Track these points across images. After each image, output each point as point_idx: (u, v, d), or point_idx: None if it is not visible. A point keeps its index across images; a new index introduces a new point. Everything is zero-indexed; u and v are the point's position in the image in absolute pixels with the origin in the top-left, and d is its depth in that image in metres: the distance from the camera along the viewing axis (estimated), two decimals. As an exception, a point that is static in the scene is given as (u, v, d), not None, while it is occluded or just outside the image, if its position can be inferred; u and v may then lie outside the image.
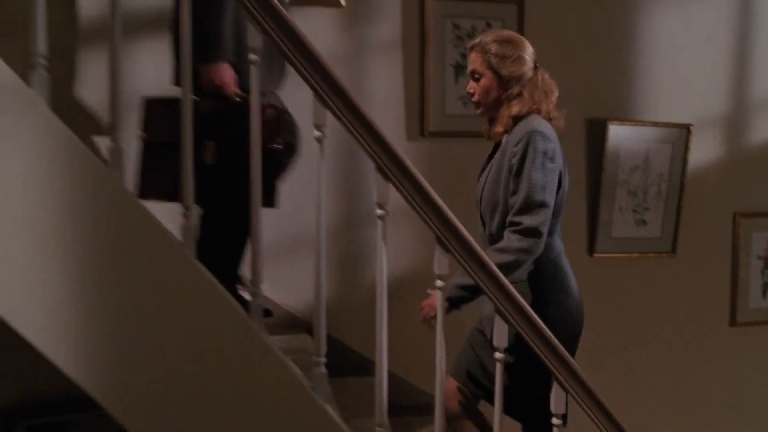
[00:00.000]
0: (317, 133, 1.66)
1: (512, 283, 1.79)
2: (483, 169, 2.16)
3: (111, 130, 1.57)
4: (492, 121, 2.10)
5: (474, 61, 2.07)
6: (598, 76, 3.08)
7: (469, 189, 2.26)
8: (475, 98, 2.08)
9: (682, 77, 3.15)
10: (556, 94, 2.10)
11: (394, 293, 2.02)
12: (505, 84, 2.04)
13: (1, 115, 1.44)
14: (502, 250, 1.91)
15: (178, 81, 1.90)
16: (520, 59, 2.04)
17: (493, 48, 2.04)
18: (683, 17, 3.15)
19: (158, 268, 1.56)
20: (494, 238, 2.02)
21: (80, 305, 1.47)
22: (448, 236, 1.71)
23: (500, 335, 1.79)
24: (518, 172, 1.94)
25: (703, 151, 3.19)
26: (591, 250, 3.10)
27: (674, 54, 3.15)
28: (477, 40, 2.08)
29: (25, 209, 1.44)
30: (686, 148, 3.11)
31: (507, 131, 2.03)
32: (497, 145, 2.12)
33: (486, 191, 2.06)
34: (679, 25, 3.15)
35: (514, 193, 1.94)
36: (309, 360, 1.71)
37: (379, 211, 1.71)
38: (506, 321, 1.78)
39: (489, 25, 2.95)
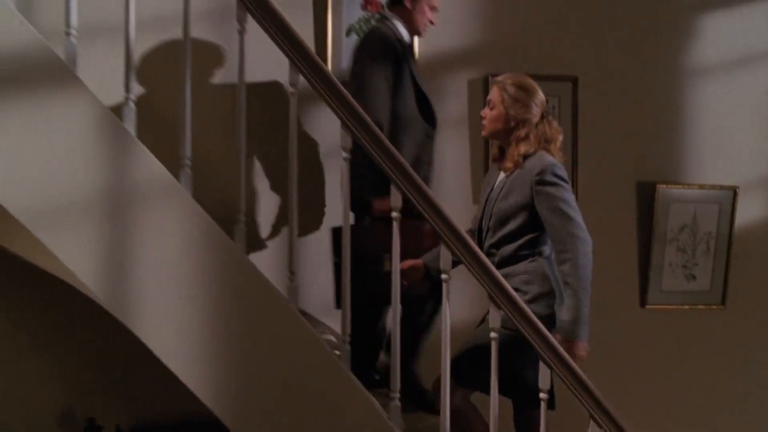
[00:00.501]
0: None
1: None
2: (489, 188, 2.51)
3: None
4: (502, 153, 2.48)
5: (493, 93, 2.48)
6: (647, 141, 3.40)
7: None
8: (484, 122, 2.48)
9: (728, 141, 3.43)
10: (561, 138, 2.46)
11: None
12: (509, 121, 2.41)
13: (157, 205, 1.93)
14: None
15: (355, 208, 2.46)
16: (527, 105, 2.41)
17: (510, 89, 2.42)
18: (729, 85, 3.45)
19: (271, 320, 2.01)
20: (492, 246, 2.37)
21: (218, 350, 1.93)
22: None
23: (494, 318, 2.12)
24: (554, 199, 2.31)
25: (751, 211, 3.44)
26: (643, 301, 3.38)
27: (720, 119, 3.44)
28: (500, 78, 2.50)
29: (180, 281, 1.92)
30: (733, 209, 3.37)
31: (517, 167, 2.39)
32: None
33: (496, 207, 2.41)
34: (724, 93, 3.44)
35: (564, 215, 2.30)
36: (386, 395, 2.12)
37: (443, 276, 2.11)
38: (493, 302, 2.11)
39: (547, 102, 3.32)
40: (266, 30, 2.06)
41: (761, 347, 3.48)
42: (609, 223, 3.36)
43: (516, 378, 2.29)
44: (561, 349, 2.13)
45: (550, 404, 2.24)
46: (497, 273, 2.12)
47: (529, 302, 2.22)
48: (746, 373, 3.47)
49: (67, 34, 1.89)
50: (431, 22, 2.90)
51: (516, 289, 2.18)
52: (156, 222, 1.92)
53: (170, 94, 2.16)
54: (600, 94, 3.35)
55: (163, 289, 1.92)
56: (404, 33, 2.86)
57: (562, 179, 2.33)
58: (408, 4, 2.84)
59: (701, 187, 3.37)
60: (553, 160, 2.38)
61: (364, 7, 3.26)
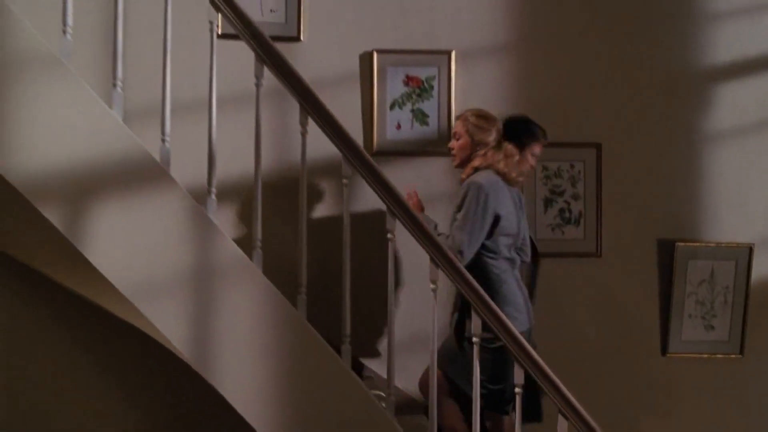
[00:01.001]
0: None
1: None
2: None
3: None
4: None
5: (457, 126, 3.03)
6: (667, 202, 3.67)
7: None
8: (454, 152, 3.02)
9: (744, 202, 3.68)
10: (516, 158, 3.01)
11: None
12: (475, 147, 2.96)
13: (234, 280, 2.32)
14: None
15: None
16: (488, 131, 2.98)
17: (472, 119, 2.99)
18: (743, 148, 3.70)
19: (327, 376, 2.37)
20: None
21: (283, 402, 2.30)
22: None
23: (476, 325, 2.49)
24: (460, 209, 2.89)
25: (766, 266, 3.67)
26: (664, 350, 3.64)
27: (736, 181, 3.69)
28: (461, 114, 3.06)
29: (253, 343, 2.30)
30: (749, 265, 3.61)
31: (468, 177, 2.97)
32: None
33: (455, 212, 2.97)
34: (739, 155, 3.69)
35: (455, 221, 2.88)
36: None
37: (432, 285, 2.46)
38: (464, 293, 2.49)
39: (572, 167, 3.65)
40: (323, 129, 2.44)
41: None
42: (632, 278, 3.65)
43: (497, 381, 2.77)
44: (533, 353, 2.53)
45: (537, 415, 2.74)
46: (472, 280, 2.52)
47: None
48: (763, 418, 3.68)
49: (163, 141, 2.30)
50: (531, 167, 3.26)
51: None
52: (233, 294, 2.31)
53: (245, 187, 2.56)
54: (622, 158, 3.65)
55: (239, 350, 2.30)
56: None
57: (481, 190, 2.86)
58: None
59: (718, 244, 3.62)
60: (490, 179, 2.91)
61: (406, 83, 3.64)
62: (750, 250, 3.63)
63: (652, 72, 3.68)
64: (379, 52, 3.59)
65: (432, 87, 3.63)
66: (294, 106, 2.60)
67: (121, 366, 3.18)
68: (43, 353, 3.12)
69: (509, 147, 3.01)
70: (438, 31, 3.63)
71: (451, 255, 2.52)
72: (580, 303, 3.64)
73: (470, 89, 3.62)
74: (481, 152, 2.96)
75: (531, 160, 3.22)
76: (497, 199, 2.90)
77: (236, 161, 3.06)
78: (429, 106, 3.63)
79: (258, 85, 2.50)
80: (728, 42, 3.70)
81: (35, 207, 2.08)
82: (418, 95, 3.63)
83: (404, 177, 3.55)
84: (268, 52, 2.44)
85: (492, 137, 2.99)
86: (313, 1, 3.56)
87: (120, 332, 3.00)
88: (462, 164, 3.04)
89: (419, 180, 3.56)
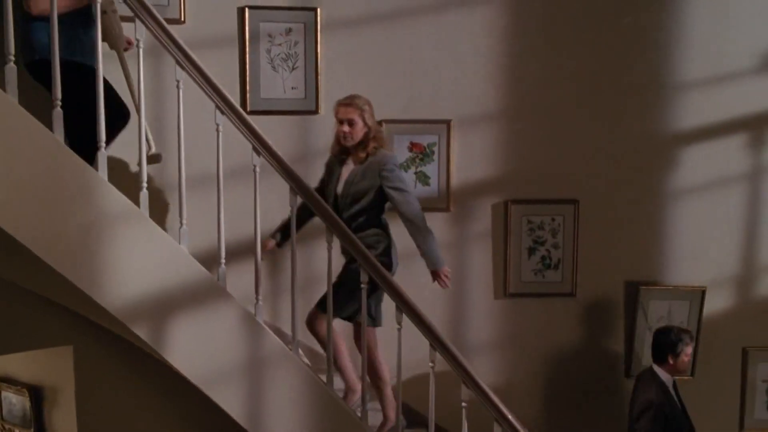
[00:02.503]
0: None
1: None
2: (331, 174, 3.50)
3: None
4: (354, 150, 3.42)
5: (350, 113, 3.39)
6: (634, 250, 4.26)
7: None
8: (349, 136, 3.38)
9: (700, 250, 4.28)
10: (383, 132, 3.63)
11: None
12: (368, 129, 3.40)
13: (277, 367, 2.96)
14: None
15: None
16: (372, 115, 3.44)
17: (364, 107, 3.40)
18: (703, 204, 4.27)
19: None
20: (349, 220, 3.31)
21: None
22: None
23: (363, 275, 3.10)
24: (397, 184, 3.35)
25: (717, 304, 4.31)
26: (627, 373, 4.33)
27: (695, 233, 4.27)
28: (351, 101, 3.42)
29: (295, 415, 2.96)
30: (701, 305, 4.25)
31: (369, 156, 3.38)
32: (341, 161, 3.47)
33: (350, 190, 3.38)
34: (698, 209, 4.27)
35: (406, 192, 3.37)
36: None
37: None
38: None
39: (553, 220, 4.24)
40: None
41: (722, 411, 4.40)
42: (602, 314, 4.30)
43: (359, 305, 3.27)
44: (398, 286, 3.12)
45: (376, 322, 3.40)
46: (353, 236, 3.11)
47: (380, 254, 3.31)
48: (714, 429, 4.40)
49: (220, 264, 2.90)
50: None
51: (369, 246, 3.21)
52: (277, 378, 2.95)
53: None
54: (596, 212, 4.23)
55: (283, 420, 2.97)
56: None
57: (396, 167, 3.39)
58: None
59: (675, 287, 4.26)
60: (392, 154, 3.48)
61: (410, 149, 4.18)
62: (703, 292, 4.26)
63: (625, 137, 4.21)
64: (387, 121, 4.10)
65: (433, 152, 4.17)
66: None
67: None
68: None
69: (379, 127, 3.56)
70: (439, 102, 4.14)
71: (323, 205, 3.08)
72: (557, 334, 4.30)
73: (467, 153, 4.17)
74: (372, 134, 3.43)
75: (686, 361, 3.74)
76: None
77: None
78: (430, 169, 4.18)
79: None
80: (692, 110, 4.22)
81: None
82: (421, 159, 4.18)
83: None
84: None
85: (374, 120, 3.47)
86: (329, 78, 4.06)
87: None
88: (355, 145, 3.42)
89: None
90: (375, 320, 3.44)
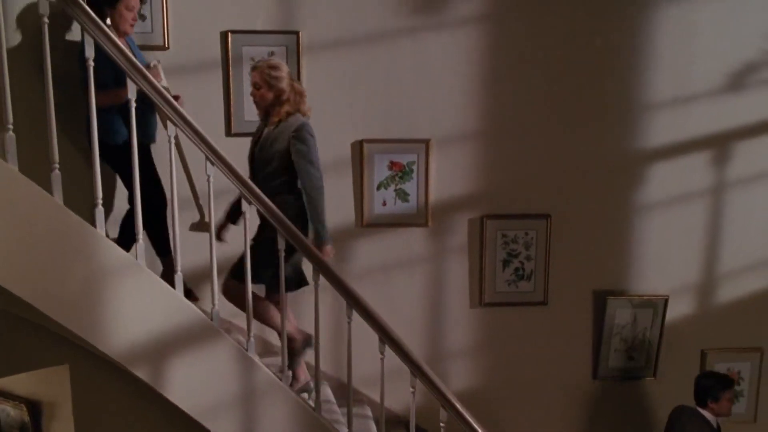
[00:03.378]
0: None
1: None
2: (257, 139, 3.55)
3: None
4: (266, 115, 3.52)
5: (256, 77, 3.45)
6: (602, 261, 4.50)
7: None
8: (257, 101, 3.48)
9: (663, 261, 4.53)
10: (305, 96, 3.57)
11: None
12: (276, 93, 3.44)
13: (268, 398, 3.16)
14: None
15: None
16: (282, 78, 3.45)
17: (268, 71, 3.42)
18: (668, 217, 4.50)
19: None
20: (262, 182, 3.35)
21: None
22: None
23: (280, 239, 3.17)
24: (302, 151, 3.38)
25: (679, 311, 4.59)
26: (595, 374, 4.62)
27: (659, 245, 4.51)
28: (256, 65, 3.48)
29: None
30: (664, 312, 4.53)
31: (281, 121, 3.45)
32: (265, 124, 3.54)
33: (262, 153, 3.46)
34: (662, 222, 4.50)
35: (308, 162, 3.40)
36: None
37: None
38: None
39: (527, 234, 4.45)
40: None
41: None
42: (572, 321, 4.55)
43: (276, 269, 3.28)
44: (313, 248, 3.21)
45: (301, 283, 3.56)
46: (267, 200, 3.12)
47: (292, 220, 3.19)
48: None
49: (213, 305, 3.07)
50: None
51: (282, 211, 3.15)
52: (268, 408, 3.16)
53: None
54: (567, 226, 4.44)
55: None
56: None
57: (311, 135, 3.42)
58: None
59: (640, 296, 4.52)
60: (305, 120, 3.46)
61: (390, 168, 4.34)
62: (665, 300, 4.53)
63: (595, 155, 4.40)
64: (367, 141, 4.26)
65: (412, 170, 4.34)
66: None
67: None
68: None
69: (297, 85, 3.54)
70: (418, 122, 4.28)
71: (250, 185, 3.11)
72: (530, 340, 4.55)
73: (444, 170, 4.34)
74: (284, 97, 3.45)
75: (727, 405, 3.94)
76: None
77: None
78: (409, 186, 4.35)
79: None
80: (660, 128, 4.42)
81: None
82: (401, 177, 4.34)
83: (389, 244, 4.37)
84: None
85: (285, 82, 3.46)
86: (311, 99, 4.12)
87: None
88: (267, 109, 3.51)
89: (401, 246, 4.37)
90: (291, 283, 3.48)
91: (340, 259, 4.32)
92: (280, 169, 3.45)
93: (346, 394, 3.38)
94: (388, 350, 3.27)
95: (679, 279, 4.58)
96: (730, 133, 4.47)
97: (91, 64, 2.72)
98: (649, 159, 4.45)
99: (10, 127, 2.58)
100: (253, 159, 3.56)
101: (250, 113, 4.15)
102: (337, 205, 4.27)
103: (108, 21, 3.50)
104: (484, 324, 4.51)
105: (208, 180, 3.07)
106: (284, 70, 3.51)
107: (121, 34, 3.60)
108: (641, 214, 4.50)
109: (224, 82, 4.09)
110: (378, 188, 4.34)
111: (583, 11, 4.24)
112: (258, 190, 3.15)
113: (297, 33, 4.10)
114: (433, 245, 4.41)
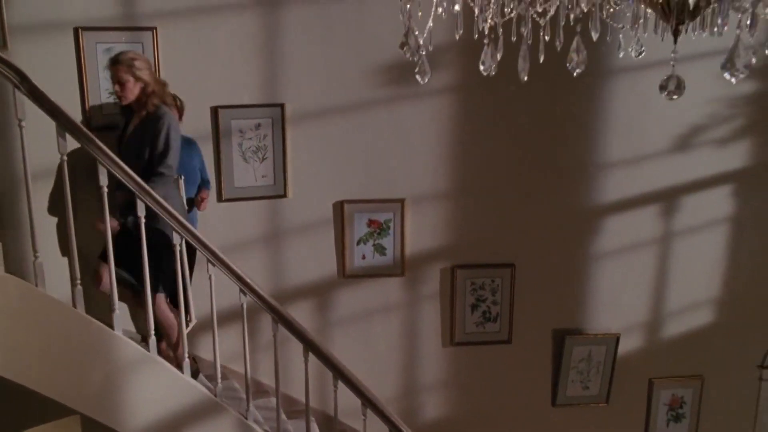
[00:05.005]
0: None
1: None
2: (123, 133, 3.68)
3: None
4: (131, 108, 3.63)
5: (121, 73, 3.53)
6: (561, 303, 4.99)
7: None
8: (124, 95, 3.56)
9: (615, 303, 5.03)
10: (168, 88, 3.74)
11: None
12: (143, 85, 3.55)
13: (265, 455, 3.62)
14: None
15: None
16: (145, 69, 3.58)
17: (135, 64, 3.54)
18: (620, 264, 4.98)
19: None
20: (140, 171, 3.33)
21: None
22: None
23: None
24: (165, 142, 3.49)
25: (629, 345, 5.11)
26: (554, 401, 5.15)
27: (611, 287, 5.00)
28: (122, 59, 3.54)
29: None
30: (616, 348, 5.04)
31: (148, 114, 3.56)
32: (128, 122, 3.67)
33: (129, 147, 3.58)
34: (615, 268, 4.98)
35: (162, 154, 3.49)
36: None
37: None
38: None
39: (493, 281, 4.90)
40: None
41: (634, 428, 5.29)
42: (533, 357, 5.05)
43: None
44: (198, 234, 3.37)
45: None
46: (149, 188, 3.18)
47: (150, 218, 3.24)
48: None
49: (216, 383, 3.49)
50: None
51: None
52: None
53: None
54: (530, 273, 4.90)
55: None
56: None
57: (171, 127, 3.51)
58: None
59: (595, 335, 5.03)
60: (169, 113, 3.57)
61: (368, 225, 4.74)
62: (617, 338, 5.04)
63: (555, 210, 4.84)
64: (347, 202, 4.65)
65: (389, 227, 4.75)
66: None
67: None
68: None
69: (161, 80, 3.70)
70: (393, 183, 4.67)
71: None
72: (496, 375, 5.05)
73: (418, 226, 4.76)
74: (151, 89, 3.55)
75: None
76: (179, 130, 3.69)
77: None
78: (387, 241, 4.76)
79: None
80: (613, 186, 4.86)
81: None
82: (378, 233, 4.75)
83: (368, 293, 4.80)
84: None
85: (150, 75, 3.59)
86: (295, 167, 4.54)
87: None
88: (134, 101, 3.60)
89: (380, 294, 4.80)
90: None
91: (323, 307, 4.76)
92: (148, 162, 3.53)
93: (332, 427, 3.84)
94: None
95: (630, 318, 5.09)
96: (676, 189, 4.93)
97: (105, 191, 3.07)
98: (603, 212, 4.91)
99: (38, 255, 2.94)
100: (119, 154, 3.40)
101: (239, 180, 4.52)
102: (320, 259, 4.69)
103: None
104: (455, 361, 4.99)
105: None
106: (146, 62, 3.63)
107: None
108: (596, 261, 4.97)
109: (215, 152, 4.42)
110: (358, 243, 4.75)
111: (544, 82, 4.61)
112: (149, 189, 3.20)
113: (282, 105, 4.44)
114: (408, 293, 4.85)
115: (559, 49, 2.12)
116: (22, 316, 2.89)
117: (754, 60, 1.55)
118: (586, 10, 1.94)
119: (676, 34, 1.81)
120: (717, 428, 5.35)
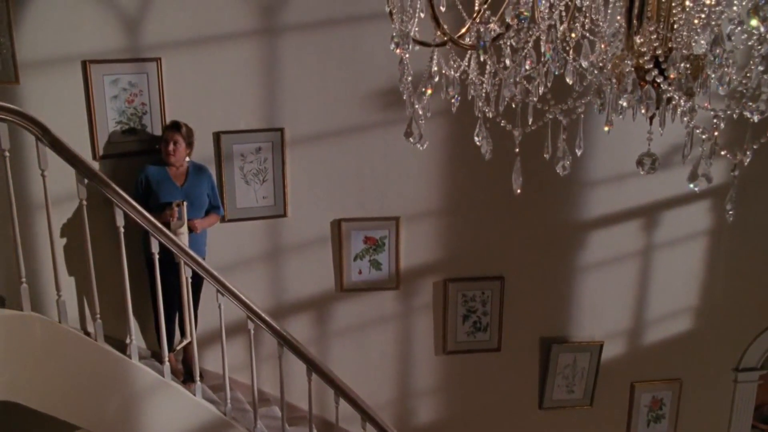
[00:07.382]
0: None
1: None
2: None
3: None
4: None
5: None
6: (548, 313, 5.26)
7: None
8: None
9: (599, 312, 5.30)
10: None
11: None
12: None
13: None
14: None
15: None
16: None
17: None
18: (602, 275, 5.25)
19: None
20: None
21: None
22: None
23: None
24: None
25: (612, 352, 5.39)
26: (540, 404, 5.43)
27: (595, 297, 5.27)
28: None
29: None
30: (600, 355, 5.33)
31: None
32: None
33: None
34: (599, 280, 5.24)
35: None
36: None
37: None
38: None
39: (483, 293, 5.15)
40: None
41: (617, 428, 5.59)
42: (521, 364, 5.33)
43: None
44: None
45: None
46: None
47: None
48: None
49: (226, 403, 3.73)
50: None
51: None
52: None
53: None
54: (519, 286, 5.16)
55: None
56: None
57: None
58: None
59: (579, 343, 5.31)
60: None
61: (365, 242, 4.97)
62: (601, 345, 5.32)
63: (542, 226, 5.09)
64: (345, 220, 4.87)
65: (384, 243, 4.97)
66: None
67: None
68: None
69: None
70: (388, 202, 4.90)
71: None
72: (486, 381, 5.32)
73: (412, 242, 4.99)
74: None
75: None
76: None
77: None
78: (382, 257, 4.99)
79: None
80: (597, 202, 5.11)
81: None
82: (374, 250, 4.98)
83: (364, 306, 5.04)
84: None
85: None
86: (294, 188, 4.75)
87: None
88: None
89: (375, 306, 5.04)
90: None
91: (322, 320, 5.00)
92: None
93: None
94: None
95: (613, 326, 5.37)
96: (657, 204, 5.18)
97: (122, 230, 3.28)
98: (588, 227, 5.16)
99: (61, 294, 3.14)
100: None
101: (241, 201, 4.73)
102: (319, 274, 4.92)
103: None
104: (447, 368, 5.26)
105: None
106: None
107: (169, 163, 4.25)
108: (581, 273, 5.23)
109: (217, 176, 4.62)
110: (354, 259, 4.97)
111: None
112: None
113: (281, 129, 4.64)
114: (402, 305, 5.09)
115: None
116: (47, 351, 3.11)
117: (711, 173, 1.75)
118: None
119: (651, 118, 2.02)
120: (695, 428, 5.67)
